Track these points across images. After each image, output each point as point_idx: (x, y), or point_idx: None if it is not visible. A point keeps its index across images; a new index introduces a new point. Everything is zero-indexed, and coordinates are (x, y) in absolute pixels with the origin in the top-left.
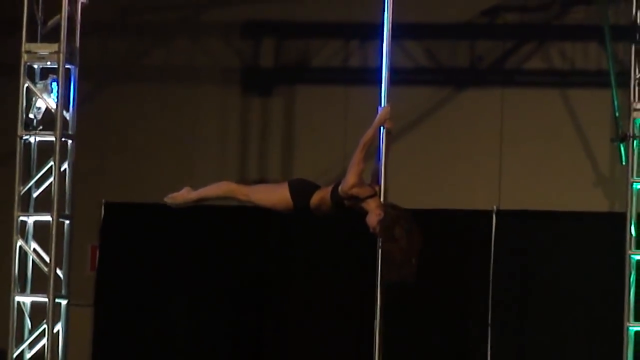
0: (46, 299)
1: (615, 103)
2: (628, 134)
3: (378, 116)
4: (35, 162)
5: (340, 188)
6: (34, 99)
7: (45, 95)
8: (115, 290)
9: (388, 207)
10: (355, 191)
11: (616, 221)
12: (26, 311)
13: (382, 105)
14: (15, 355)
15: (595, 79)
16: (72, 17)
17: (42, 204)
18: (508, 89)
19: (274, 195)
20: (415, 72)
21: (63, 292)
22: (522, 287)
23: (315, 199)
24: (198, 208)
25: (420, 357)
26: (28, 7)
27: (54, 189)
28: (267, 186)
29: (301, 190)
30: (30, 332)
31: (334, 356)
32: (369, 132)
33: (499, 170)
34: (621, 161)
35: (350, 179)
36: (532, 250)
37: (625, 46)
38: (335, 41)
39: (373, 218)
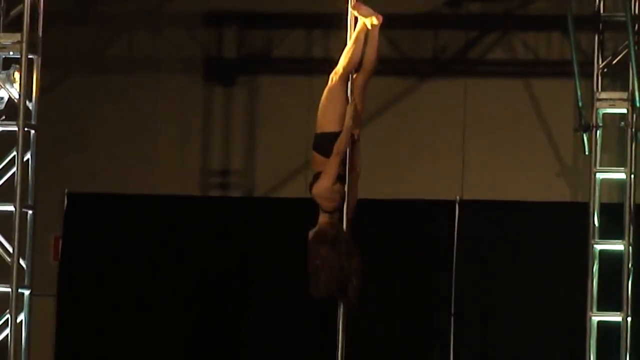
0: (9, 289)
1: (579, 93)
2: (591, 124)
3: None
4: None
5: (313, 186)
6: None
7: (7, 85)
8: (78, 280)
9: (329, 226)
10: (319, 199)
11: (579, 211)
12: None
13: None
14: None
15: (559, 69)
16: (34, 7)
17: (5, 194)
18: (471, 79)
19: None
20: (378, 62)
21: (26, 282)
22: (485, 278)
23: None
24: (160, 198)
25: (384, 347)
26: None
27: (17, 179)
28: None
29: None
30: None
31: (297, 347)
32: (342, 137)
33: (462, 160)
34: (584, 151)
35: (323, 181)
36: (495, 240)
37: (589, 36)
38: (298, 31)
39: (311, 229)
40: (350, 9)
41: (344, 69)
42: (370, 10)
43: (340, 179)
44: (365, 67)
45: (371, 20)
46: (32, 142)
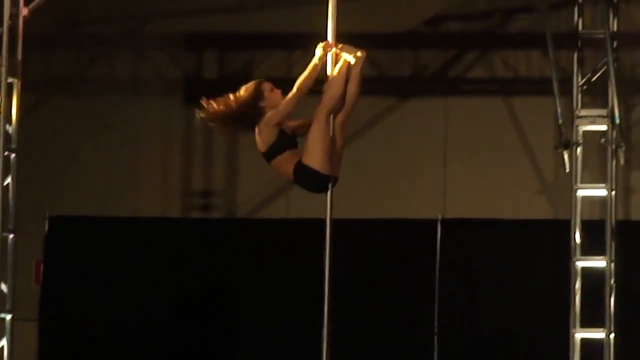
0: None
1: (559, 110)
2: (572, 141)
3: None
4: None
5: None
6: None
7: None
8: (60, 304)
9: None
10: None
11: (561, 228)
12: None
13: None
14: None
15: (538, 87)
16: (14, 30)
17: None
18: (451, 97)
19: None
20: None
21: (8, 306)
22: (468, 296)
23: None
24: (142, 220)
25: None
26: None
27: None
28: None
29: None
30: None
31: None
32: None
33: (444, 179)
34: (565, 168)
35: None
36: (477, 258)
37: (568, 53)
38: (278, 52)
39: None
40: (331, 49)
41: (328, 110)
42: (353, 49)
43: None
44: (348, 105)
45: (355, 55)
46: (12, 166)
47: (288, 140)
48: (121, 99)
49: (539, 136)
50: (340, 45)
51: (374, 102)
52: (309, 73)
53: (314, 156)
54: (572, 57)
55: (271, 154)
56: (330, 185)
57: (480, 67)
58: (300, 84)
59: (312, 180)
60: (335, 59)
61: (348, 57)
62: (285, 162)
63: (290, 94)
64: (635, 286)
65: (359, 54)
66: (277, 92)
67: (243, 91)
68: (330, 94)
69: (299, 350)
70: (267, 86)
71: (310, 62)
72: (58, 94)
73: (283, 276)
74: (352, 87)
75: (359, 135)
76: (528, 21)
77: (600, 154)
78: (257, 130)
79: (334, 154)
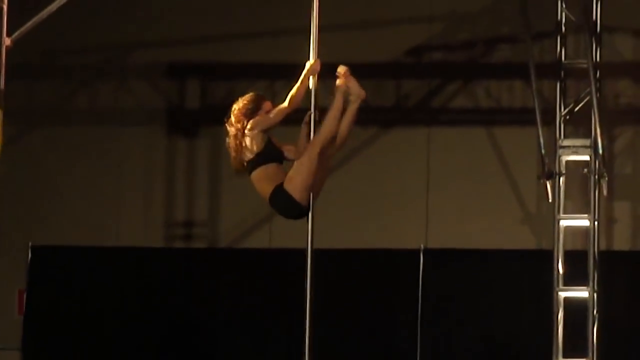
0: None
1: (541, 140)
2: (554, 171)
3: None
4: None
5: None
6: None
7: None
8: (43, 333)
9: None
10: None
11: (544, 258)
12: None
13: None
14: None
15: (521, 117)
16: None
17: None
18: (434, 127)
19: None
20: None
21: None
22: (450, 326)
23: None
24: (125, 250)
25: None
26: None
27: None
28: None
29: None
30: None
31: None
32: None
33: (426, 209)
34: (548, 198)
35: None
36: (460, 288)
37: (550, 83)
38: (260, 81)
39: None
40: (337, 82)
41: (323, 140)
42: (358, 87)
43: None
44: (339, 142)
45: (358, 96)
46: None
47: (275, 152)
48: (103, 129)
49: (522, 166)
50: (350, 79)
51: (356, 131)
52: (300, 89)
53: (296, 184)
54: (555, 87)
55: (256, 162)
56: (301, 214)
57: (462, 97)
58: (292, 100)
59: (285, 207)
60: (340, 88)
61: (352, 97)
62: (266, 177)
63: (282, 106)
64: (617, 317)
65: (362, 93)
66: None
67: (242, 101)
68: (329, 125)
69: None
70: (267, 106)
71: (295, 84)
72: (40, 124)
73: (265, 306)
74: (347, 122)
75: (342, 165)
76: (510, 51)
77: (583, 184)
78: (240, 140)
79: (315, 184)
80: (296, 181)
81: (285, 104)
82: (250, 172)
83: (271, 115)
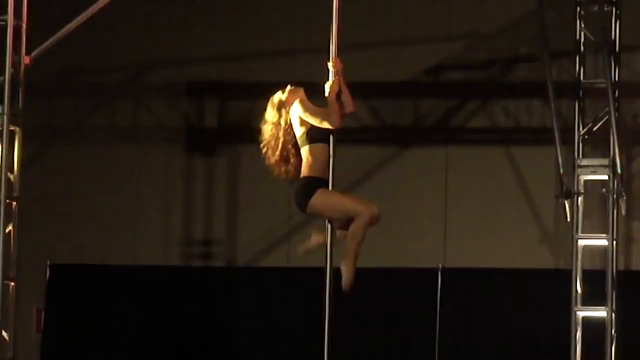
0: None
1: (560, 160)
2: (573, 191)
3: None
4: None
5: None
6: None
7: None
8: (61, 352)
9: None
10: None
11: (562, 278)
12: None
13: None
14: None
15: (540, 136)
16: (15, 79)
17: None
18: (452, 147)
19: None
20: (360, 131)
21: (9, 354)
22: (468, 346)
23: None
24: (143, 269)
25: None
26: None
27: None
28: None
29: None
30: None
31: None
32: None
33: (444, 228)
34: (566, 218)
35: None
36: (478, 308)
37: (569, 103)
38: None
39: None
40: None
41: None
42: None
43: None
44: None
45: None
46: (14, 214)
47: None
48: (122, 148)
49: (540, 185)
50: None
51: (374, 151)
52: (334, 109)
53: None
54: (574, 106)
55: (313, 135)
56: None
57: (481, 116)
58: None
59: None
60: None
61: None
62: (320, 153)
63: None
64: (636, 336)
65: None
66: (289, 92)
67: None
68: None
69: None
70: (277, 96)
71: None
72: (59, 143)
73: (283, 325)
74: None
75: (360, 184)
76: (529, 71)
77: (602, 204)
78: (287, 122)
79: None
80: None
81: (332, 126)
82: (309, 143)
83: (317, 108)
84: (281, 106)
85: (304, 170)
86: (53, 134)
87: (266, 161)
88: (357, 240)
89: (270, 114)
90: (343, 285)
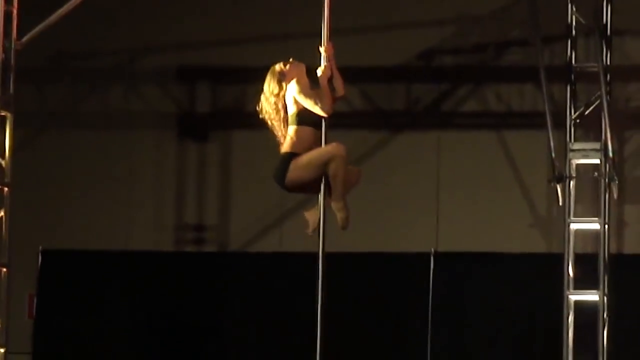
0: None
1: (552, 144)
2: (565, 175)
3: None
4: None
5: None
6: None
7: None
8: (54, 338)
9: None
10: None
11: (554, 262)
12: None
13: None
14: None
15: (531, 120)
16: (6, 64)
17: None
18: (444, 131)
19: None
20: (352, 116)
21: (1, 340)
22: (460, 330)
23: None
24: (135, 254)
25: None
26: None
27: None
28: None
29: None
30: None
31: None
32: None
33: (437, 212)
34: (558, 202)
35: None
36: (470, 292)
37: (561, 87)
38: None
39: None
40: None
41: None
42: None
43: None
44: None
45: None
46: (5, 200)
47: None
48: (114, 133)
49: (532, 169)
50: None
51: (366, 135)
52: (327, 95)
53: (298, 165)
54: (565, 90)
55: (303, 116)
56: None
57: (473, 100)
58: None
59: (277, 173)
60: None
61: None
62: (307, 136)
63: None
64: (628, 320)
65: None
66: (291, 65)
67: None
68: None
69: None
70: (279, 67)
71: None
72: (50, 128)
73: (276, 310)
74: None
75: None
76: (521, 55)
77: (594, 188)
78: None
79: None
80: (299, 163)
81: (324, 113)
82: (297, 124)
83: (309, 96)
84: (282, 79)
85: (286, 147)
86: (44, 119)
87: (274, 132)
88: (339, 178)
89: (272, 86)
90: (341, 226)
